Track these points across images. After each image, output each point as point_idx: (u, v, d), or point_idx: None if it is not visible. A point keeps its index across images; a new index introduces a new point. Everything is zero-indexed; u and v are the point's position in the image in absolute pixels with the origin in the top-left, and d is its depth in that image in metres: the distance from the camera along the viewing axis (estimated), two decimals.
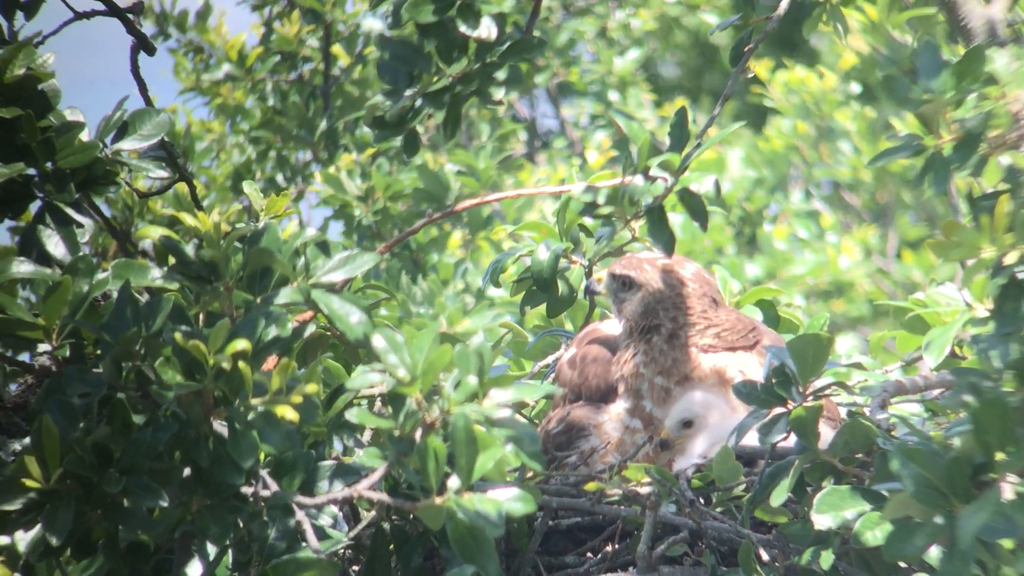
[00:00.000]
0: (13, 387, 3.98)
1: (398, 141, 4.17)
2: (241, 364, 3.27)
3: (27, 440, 3.79)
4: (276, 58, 8.65)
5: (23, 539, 3.34)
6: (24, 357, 3.71)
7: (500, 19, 3.98)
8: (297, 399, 3.25)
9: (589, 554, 4.35)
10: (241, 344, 3.29)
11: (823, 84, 10.63)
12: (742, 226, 10.69)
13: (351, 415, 3.31)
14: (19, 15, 4.17)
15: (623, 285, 4.63)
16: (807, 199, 10.86)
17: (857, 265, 10.35)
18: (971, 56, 3.49)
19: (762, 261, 10.35)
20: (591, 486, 4.20)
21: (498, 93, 4.01)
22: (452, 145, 9.02)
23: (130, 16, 4.55)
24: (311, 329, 3.41)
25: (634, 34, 10.65)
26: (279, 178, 8.72)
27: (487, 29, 3.98)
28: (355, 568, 4.15)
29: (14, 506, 3.33)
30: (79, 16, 4.49)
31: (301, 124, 8.61)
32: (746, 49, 4.45)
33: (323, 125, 8.55)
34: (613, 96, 10.42)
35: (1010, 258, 3.36)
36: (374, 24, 8.60)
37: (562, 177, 9.20)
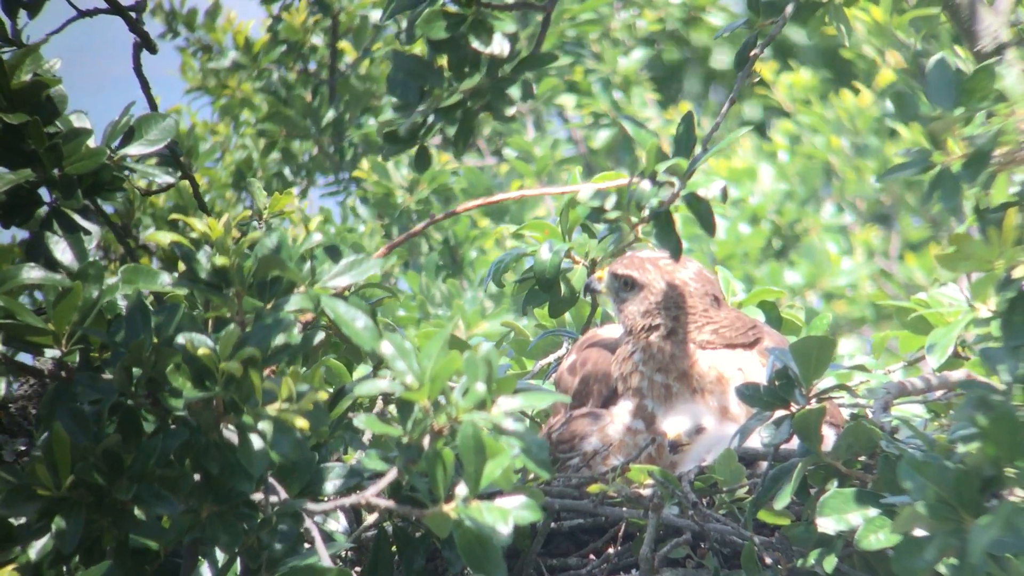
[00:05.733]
0: (15, 387, 3.98)
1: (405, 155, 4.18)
2: (251, 372, 3.28)
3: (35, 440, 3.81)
4: (283, 47, 8.63)
5: (34, 547, 3.33)
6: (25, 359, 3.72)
7: (512, 36, 3.98)
8: (308, 406, 3.26)
9: (591, 556, 4.35)
10: (251, 351, 3.29)
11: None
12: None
13: (358, 421, 3.30)
14: (22, 14, 4.17)
15: (625, 285, 4.62)
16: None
17: (860, 267, 10.31)
18: (981, 73, 3.48)
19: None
20: (594, 488, 4.20)
21: (510, 109, 4.00)
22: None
23: (132, 14, 4.54)
24: (320, 337, 3.41)
25: (638, 34, 10.61)
26: (286, 171, 8.70)
27: (499, 46, 3.98)
28: (357, 569, 4.16)
29: (26, 514, 3.33)
30: (82, 14, 4.48)
31: (306, 116, 8.58)
32: (751, 54, 4.43)
33: (329, 115, 8.52)
34: (616, 95, 10.38)
35: (1019, 271, 3.35)
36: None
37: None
